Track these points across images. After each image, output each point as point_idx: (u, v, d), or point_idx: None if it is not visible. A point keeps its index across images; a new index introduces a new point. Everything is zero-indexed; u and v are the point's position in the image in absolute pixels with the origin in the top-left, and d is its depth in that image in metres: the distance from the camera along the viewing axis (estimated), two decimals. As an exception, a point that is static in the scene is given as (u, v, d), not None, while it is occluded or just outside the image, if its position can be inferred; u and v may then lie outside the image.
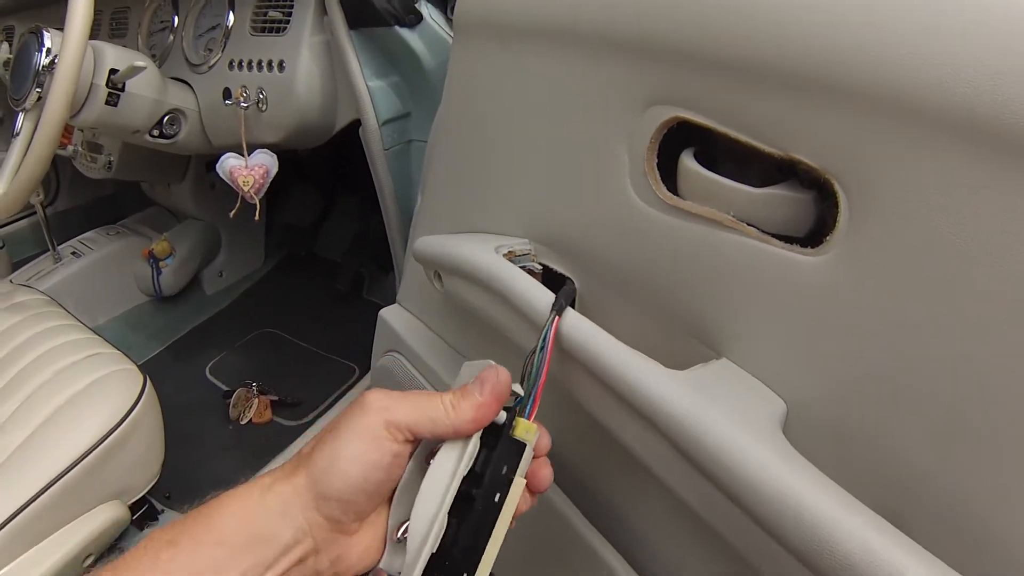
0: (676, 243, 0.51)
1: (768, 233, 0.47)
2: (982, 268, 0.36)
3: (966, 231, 0.36)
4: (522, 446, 0.46)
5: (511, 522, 0.46)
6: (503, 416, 0.47)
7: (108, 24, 1.56)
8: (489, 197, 0.68)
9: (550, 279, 0.63)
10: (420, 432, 0.43)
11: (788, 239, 0.46)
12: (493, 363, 0.47)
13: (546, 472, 0.48)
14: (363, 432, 0.42)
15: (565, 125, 0.58)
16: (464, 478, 0.44)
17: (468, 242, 0.64)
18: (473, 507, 0.44)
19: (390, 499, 0.45)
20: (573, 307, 0.60)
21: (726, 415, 0.43)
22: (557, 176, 0.59)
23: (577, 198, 0.58)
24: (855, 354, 0.43)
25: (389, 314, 0.88)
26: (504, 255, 0.61)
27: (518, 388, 0.48)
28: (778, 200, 0.47)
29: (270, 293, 1.99)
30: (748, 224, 0.48)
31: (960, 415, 0.38)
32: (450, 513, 0.43)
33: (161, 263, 1.72)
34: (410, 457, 0.45)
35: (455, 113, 0.72)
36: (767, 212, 0.48)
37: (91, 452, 1.01)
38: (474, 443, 0.45)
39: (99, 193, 2.12)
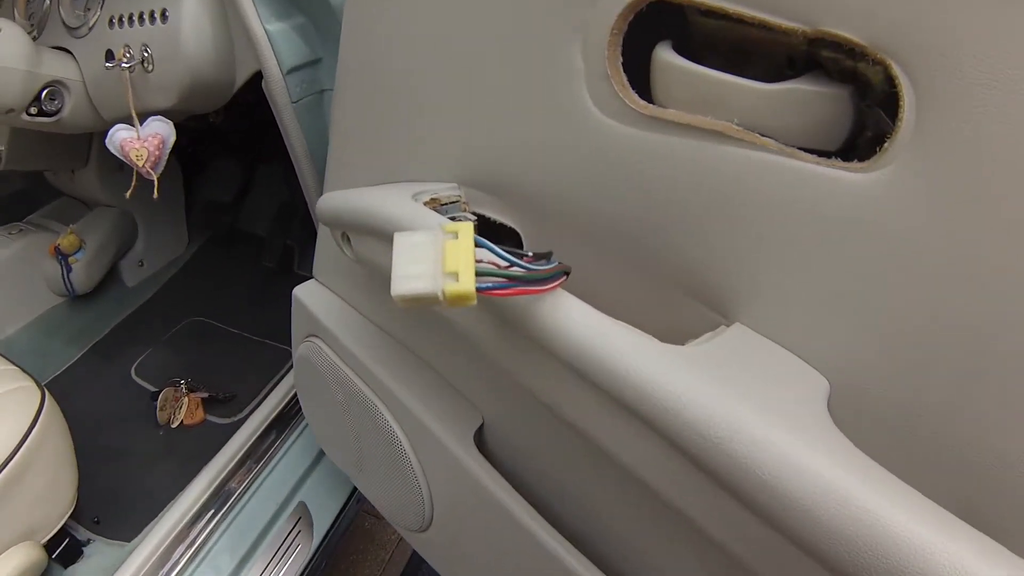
0: (659, 166, 0.39)
1: (792, 146, 0.34)
2: None
3: None
4: None
5: None
6: None
7: (-18, -2, 1.39)
8: (407, 138, 0.55)
9: (489, 233, 0.49)
10: None
11: (818, 154, 0.34)
12: None
13: None
14: None
15: (494, 30, 0.44)
16: None
17: (379, 193, 0.51)
18: None
19: None
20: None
21: (751, 405, 0.31)
22: (489, 98, 0.47)
23: (518, 124, 0.45)
24: (931, 308, 0.31)
25: (304, 293, 0.76)
26: (425, 203, 0.48)
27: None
28: (799, 98, 0.35)
29: (196, 279, 1.86)
30: (762, 135, 0.35)
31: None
32: None
33: (70, 259, 1.57)
34: None
35: (357, 45, 0.59)
36: (785, 117, 0.35)
37: (-21, 492, 0.87)
38: None
39: (5, 190, 1.95)
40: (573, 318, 0.36)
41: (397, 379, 0.65)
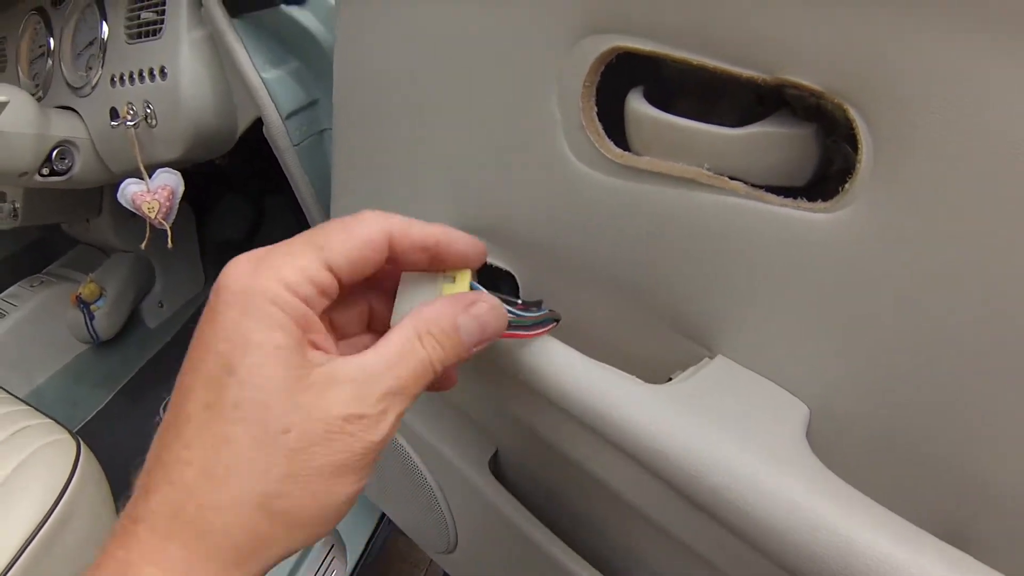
0: (637, 213, 0.40)
1: (759, 187, 0.36)
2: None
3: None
4: None
5: None
6: None
7: (-13, 60, 1.40)
8: (404, 179, 0.56)
9: (486, 276, 0.51)
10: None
11: (787, 192, 0.35)
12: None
13: None
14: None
15: (478, 81, 0.46)
16: None
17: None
18: None
19: None
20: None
21: (731, 440, 0.33)
22: (477, 147, 0.48)
23: (505, 171, 0.46)
24: (898, 337, 0.32)
25: None
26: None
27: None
28: (766, 140, 0.36)
29: None
30: (731, 178, 0.36)
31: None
32: None
33: (92, 307, 1.59)
34: None
35: (350, 91, 0.59)
36: (753, 159, 0.37)
37: (26, 547, 0.91)
38: None
39: (23, 241, 1.98)
40: (556, 363, 0.37)
41: (414, 412, 0.66)
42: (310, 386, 0.29)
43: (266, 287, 0.29)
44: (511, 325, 0.36)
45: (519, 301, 0.38)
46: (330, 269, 0.31)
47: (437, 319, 0.32)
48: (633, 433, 0.34)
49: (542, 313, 0.39)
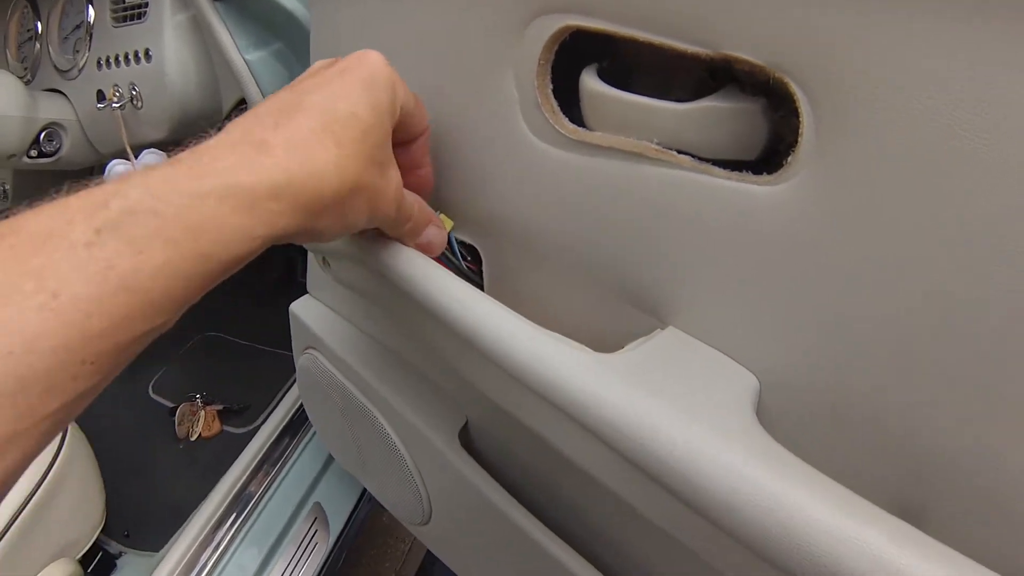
0: (589, 186, 0.41)
1: (707, 160, 0.37)
2: (1007, 178, 0.27)
3: (986, 132, 0.27)
4: None
5: None
6: None
7: (-24, 45, 1.41)
8: None
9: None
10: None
11: (736, 165, 0.36)
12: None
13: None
14: None
15: (439, 61, 0.47)
16: None
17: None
18: None
19: None
20: (478, 272, 0.53)
21: (676, 407, 0.33)
22: (442, 125, 0.49)
23: (467, 149, 0.48)
24: (840, 308, 0.33)
25: (299, 308, 0.79)
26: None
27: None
28: (714, 115, 0.37)
29: (204, 296, 1.79)
30: (679, 152, 0.38)
31: (990, 375, 0.29)
32: None
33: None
34: None
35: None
36: (702, 133, 0.38)
37: (17, 516, 0.93)
38: None
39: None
40: (505, 328, 0.38)
41: (387, 385, 0.67)
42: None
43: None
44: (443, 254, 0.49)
45: (467, 257, 0.53)
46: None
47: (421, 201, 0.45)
48: (578, 400, 0.35)
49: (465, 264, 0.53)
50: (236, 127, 0.35)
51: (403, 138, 0.44)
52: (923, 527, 0.28)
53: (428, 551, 1.51)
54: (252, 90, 0.92)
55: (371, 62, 0.39)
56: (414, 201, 0.44)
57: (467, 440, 0.64)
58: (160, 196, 0.29)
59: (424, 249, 0.45)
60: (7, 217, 0.28)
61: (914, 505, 0.34)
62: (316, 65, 0.41)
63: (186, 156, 0.32)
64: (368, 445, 0.77)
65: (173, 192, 0.30)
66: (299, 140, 0.34)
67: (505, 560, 0.64)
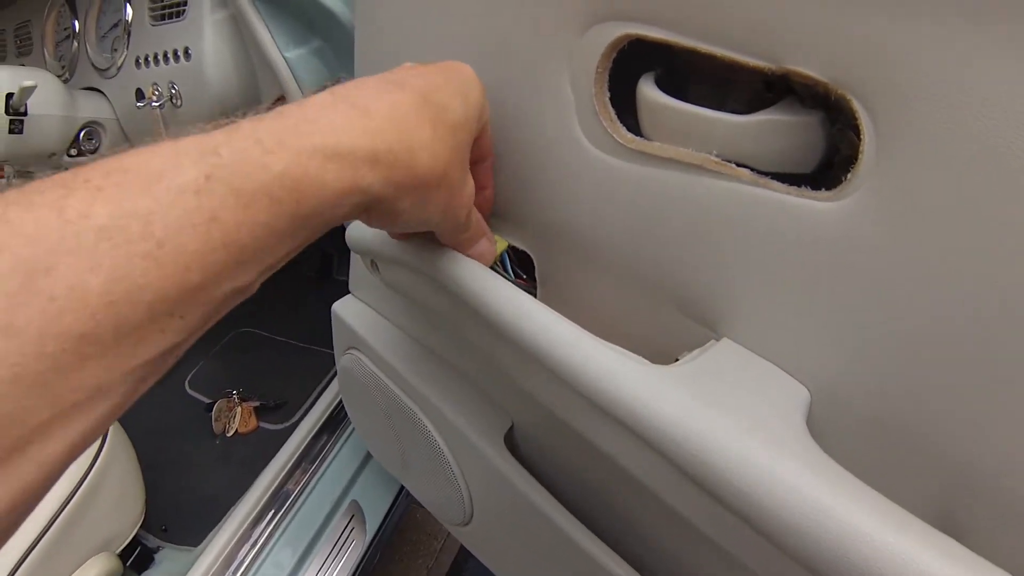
0: (646, 196, 0.41)
1: (765, 174, 0.36)
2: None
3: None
4: None
5: None
6: None
7: (13, 43, 1.43)
8: None
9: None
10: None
11: (794, 179, 0.36)
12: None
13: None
14: None
15: (493, 65, 0.46)
16: None
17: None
18: None
19: None
20: (531, 282, 0.53)
21: (730, 419, 0.33)
22: (495, 128, 0.48)
23: (521, 154, 0.48)
24: (897, 323, 0.33)
25: (342, 308, 0.79)
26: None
27: None
28: (773, 128, 0.37)
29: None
30: (738, 164, 0.37)
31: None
32: None
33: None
34: None
35: (371, 65, 0.60)
36: (761, 146, 0.37)
37: (61, 512, 0.95)
38: None
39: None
40: (564, 340, 0.38)
41: (432, 387, 0.67)
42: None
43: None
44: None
45: (522, 275, 0.53)
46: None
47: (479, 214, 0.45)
48: (634, 411, 0.35)
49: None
50: (339, 90, 0.34)
51: (475, 156, 0.44)
52: (965, 540, 0.28)
53: (461, 548, 1.52)
54: (292, 88, 0.92)
55: (466, 70, 0.41)
56: (475, 212, 0.44)
57: (512, 444, 0.64)
58: (270, 149, 0.29)
59: (479, 258, 0.45)
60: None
61: (958, 517, 0.34)
62: (406, 64, 0.42)
63: (292, 110, 0.32)
64: (411, 446, 0.77)
65: (282, 146, 0.29)
66: (400, 114, 0.34)
67: (547, 564, 0.64)
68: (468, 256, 0.45)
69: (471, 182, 0.41)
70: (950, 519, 0.34)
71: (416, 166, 0.35)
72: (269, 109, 0.32)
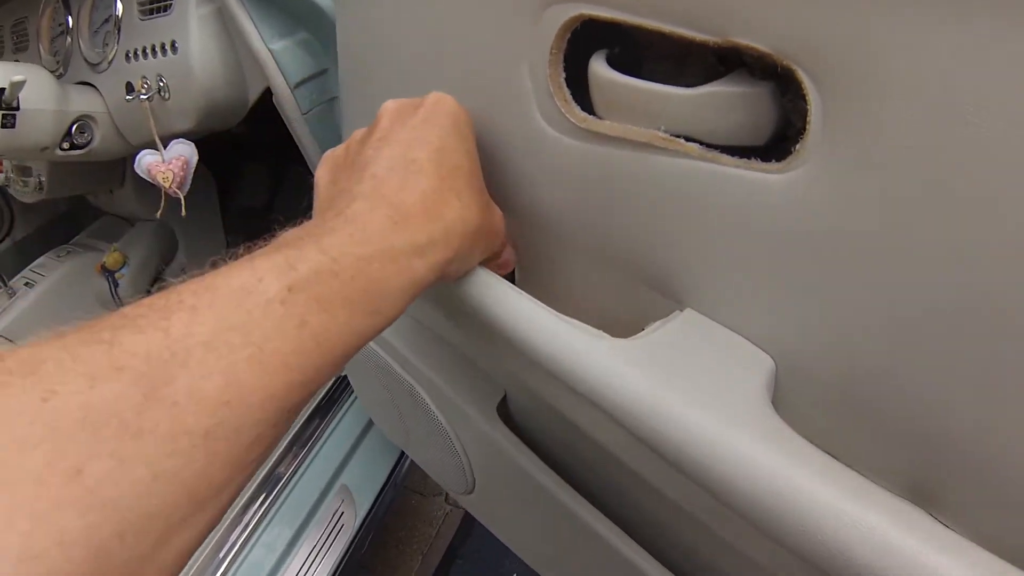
0: (602, 175, 0.42)
1: (716, 147, 0.37)
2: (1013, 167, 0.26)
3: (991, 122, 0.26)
4: None
5: None
6: None
7: (10, 39, 1.44)
8: None
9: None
10: None
11: (747, 152, 0.36)
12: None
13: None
14: None
15: (458, 52, 0.47)
16: None
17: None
18: None
19: None
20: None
21: (689, 392, 0.34)
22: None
23: (492, 144, 0.48)
24: (851, 291, 0.33)
25: None
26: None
27: None
28: (721, 99, 0.37)
29: None
30: (688, 139, 0.37)
31: (1001, 359, 0.29)
32: None
33: (116, 275, 1.63)
34: None
35: (352, 62, 0.62)
36: (709, 118, 0.38)
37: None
38: None
39: (55, 213, 2.02)
40: (526, 316, 0.40)
41: (426, 361, 0.70)
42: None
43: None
44: None
45: None
46: None
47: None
48: (593, 387, 0.37)
49: None
50: (370, 192, 0.38)
51: None
52: (936, 513, 0.29)
53: (456, 535, 1.53)
54: (278, 80, 0.93)
55: (450, 106, 0.44)
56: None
57: (505, 413, 0.66)
58: (337, 259, 0.33)
59: (502, 267, 0.50)
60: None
61: (927, 491, 0.34)
62: (390, 105, 0.44)
63: (341, 224, 0.36)
64: (412, 418, 0.79)
65: (346, 256, 0.34)
66: (431, 202, 0.39)
67: (546, 529, 0.65)
68: (496, 265, 0.48)
69: (497, 211, 0.45)
70: (919, 494, 0.34)
71: (454, 242, 0.39)
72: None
